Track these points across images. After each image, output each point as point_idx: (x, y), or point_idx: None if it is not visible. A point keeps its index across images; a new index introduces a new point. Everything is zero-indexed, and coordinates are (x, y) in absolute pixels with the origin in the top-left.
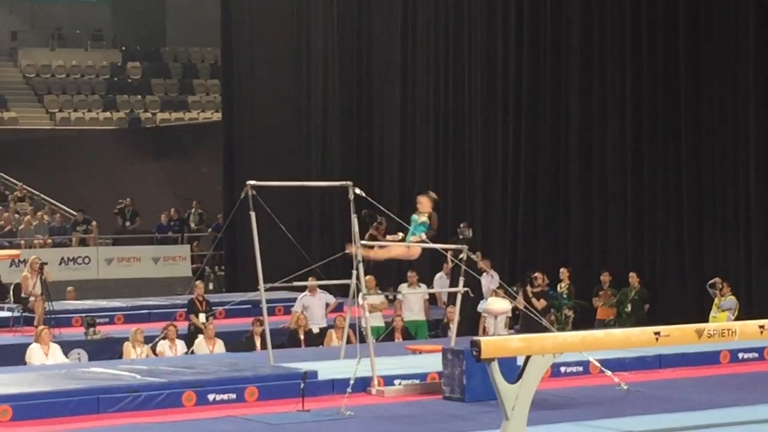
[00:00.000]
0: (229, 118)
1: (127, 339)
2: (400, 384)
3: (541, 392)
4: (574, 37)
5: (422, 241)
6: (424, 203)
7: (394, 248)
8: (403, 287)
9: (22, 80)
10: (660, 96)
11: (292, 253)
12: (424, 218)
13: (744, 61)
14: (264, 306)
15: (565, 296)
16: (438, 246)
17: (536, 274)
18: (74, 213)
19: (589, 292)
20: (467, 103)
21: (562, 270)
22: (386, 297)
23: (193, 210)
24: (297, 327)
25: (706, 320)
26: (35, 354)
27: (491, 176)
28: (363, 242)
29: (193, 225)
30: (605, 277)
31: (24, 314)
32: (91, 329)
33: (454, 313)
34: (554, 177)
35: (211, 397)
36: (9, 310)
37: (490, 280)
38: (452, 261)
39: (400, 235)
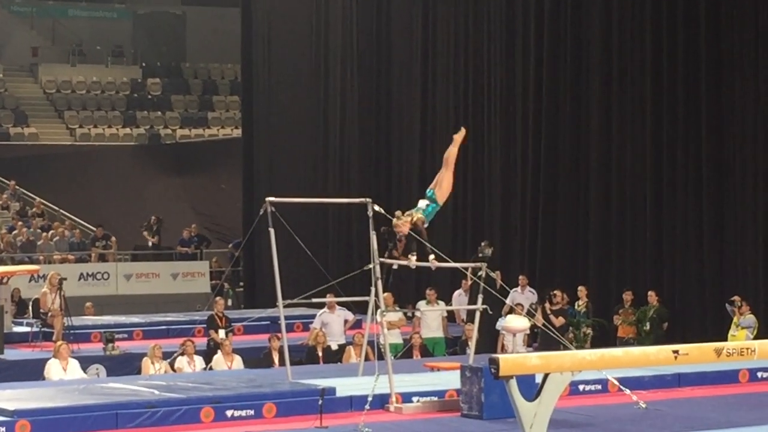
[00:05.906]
0: (249, 134)
1: (145, 354)
2: (418, 401)
3: (559, 410)
4: (594, 56)
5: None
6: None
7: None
8: (421, 304)
9: (42, 96)
10: (681, 115)
11: (310, 270)
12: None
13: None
14: (282, 322)
15: (582, 314)
16: (457, 264)
17: (555, 292)
18: (93, 228)
19: (608, 310)
20: (486, 121)
21: (579, 288)
22: (405, 314)
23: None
24: (315, 343)
25: (725, 339)
26: (54, 369)
27: (510, 195)
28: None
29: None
30: (627, 296)
31: (43, 329)
32: (110, 345)
33: (473, 330)
34: (573, 196)
35: (229, 413)
36: (28, 325)
37: (531, 297)
38: (471, 278)
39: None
